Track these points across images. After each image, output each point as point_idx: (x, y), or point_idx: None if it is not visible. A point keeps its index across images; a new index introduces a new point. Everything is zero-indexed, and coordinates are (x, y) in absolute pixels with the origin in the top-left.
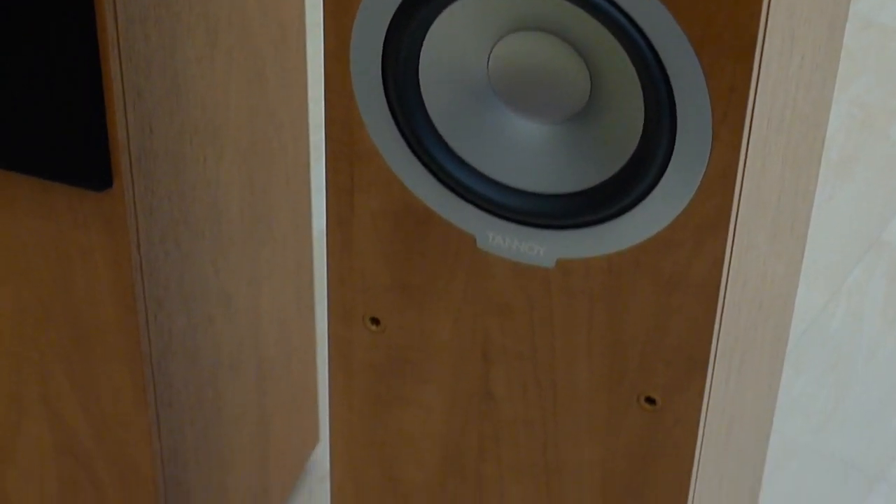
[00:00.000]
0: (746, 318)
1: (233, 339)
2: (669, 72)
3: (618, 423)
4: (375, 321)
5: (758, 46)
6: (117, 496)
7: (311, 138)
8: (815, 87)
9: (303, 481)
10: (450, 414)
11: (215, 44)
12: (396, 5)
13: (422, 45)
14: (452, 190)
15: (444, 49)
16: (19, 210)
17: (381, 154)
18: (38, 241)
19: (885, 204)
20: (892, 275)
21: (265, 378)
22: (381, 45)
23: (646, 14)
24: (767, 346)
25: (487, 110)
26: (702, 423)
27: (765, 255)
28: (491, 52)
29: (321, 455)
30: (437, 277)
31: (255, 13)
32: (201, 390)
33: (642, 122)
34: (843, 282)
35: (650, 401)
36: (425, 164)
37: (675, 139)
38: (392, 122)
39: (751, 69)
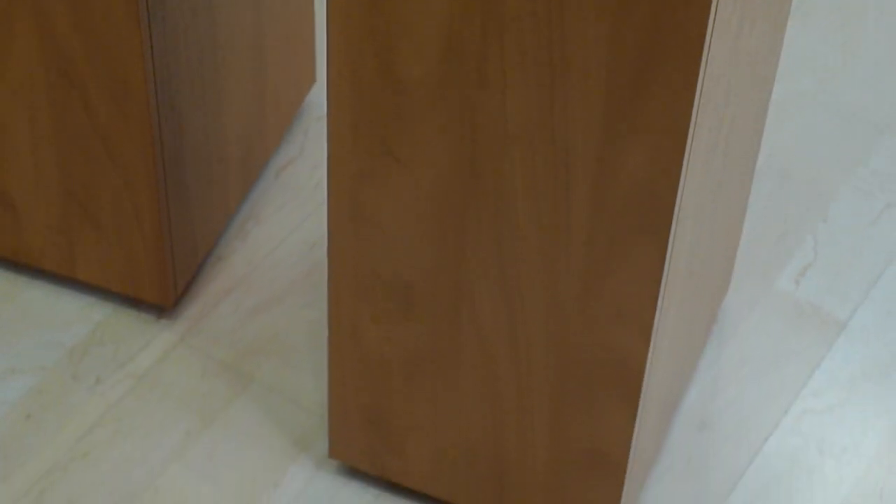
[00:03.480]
0: None
1: None
2: None
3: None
4: None
5: None
6: (109, 119)
7: None
8: None
9: (299, 120)
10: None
11: None
12: None
13: None
14: None
15: None
16: None
17: None
18: None
19: None
20: None
21: (262, 8)
22: None
23: None
24: None
25: None
26: (713, 5)
27: None
28: None
29: (317, 96)
30: None
31: None
32: (196, 13)
33: None
34: None
35: None
36: None
37: None
38: None
39: None
